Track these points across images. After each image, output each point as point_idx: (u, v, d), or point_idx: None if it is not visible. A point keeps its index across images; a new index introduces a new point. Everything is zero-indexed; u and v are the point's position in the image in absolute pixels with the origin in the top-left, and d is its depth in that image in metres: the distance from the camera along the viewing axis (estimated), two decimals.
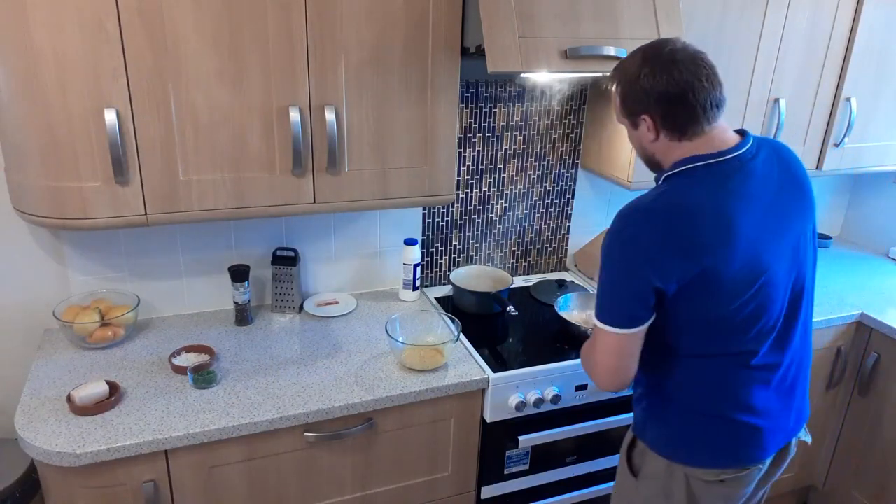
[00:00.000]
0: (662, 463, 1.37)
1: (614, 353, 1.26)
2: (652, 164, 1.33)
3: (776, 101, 2.13)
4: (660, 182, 1.28)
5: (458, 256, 2.27)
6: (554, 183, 2.30)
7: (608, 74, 1.40)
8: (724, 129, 1.25)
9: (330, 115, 1.59)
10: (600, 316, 1.26)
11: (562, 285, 2.24)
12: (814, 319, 2.12)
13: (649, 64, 1.20)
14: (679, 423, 1.34)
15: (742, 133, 1.28)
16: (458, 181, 2.16)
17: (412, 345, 1.75)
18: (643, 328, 1.24)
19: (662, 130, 1.24)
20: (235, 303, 1.92)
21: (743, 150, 1.24)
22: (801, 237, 1.31)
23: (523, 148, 2.21)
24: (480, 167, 2.17)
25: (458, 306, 2.10)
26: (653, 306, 1.22)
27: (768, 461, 1.37)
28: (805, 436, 1.45)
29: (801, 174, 1.34)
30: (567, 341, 1.92)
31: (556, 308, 1.96)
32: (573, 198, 2.35)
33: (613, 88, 1.30)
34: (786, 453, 1.41)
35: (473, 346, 1.85)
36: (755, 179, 1.24)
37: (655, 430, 1.38)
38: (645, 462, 1.41)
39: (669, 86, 1.18)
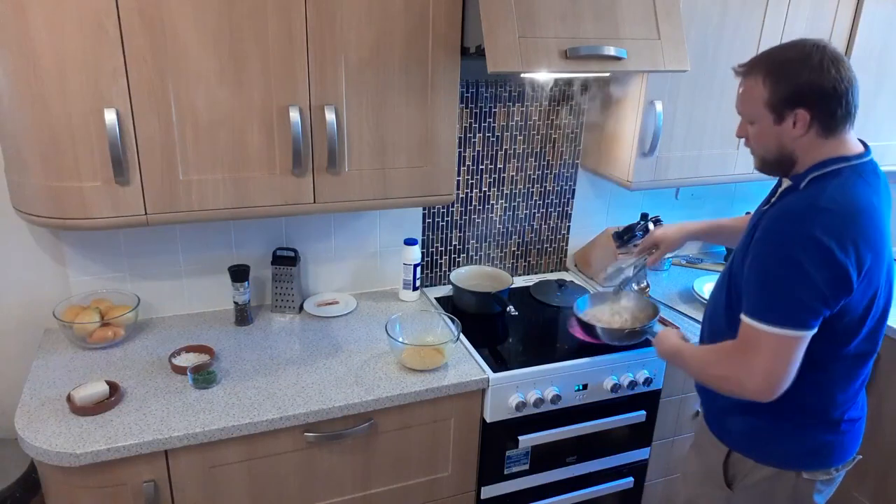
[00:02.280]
0: (769, 471, 1.37)
1: (792, 354, 1.20)
2: (781, 163, 1.29)
3: None
4: (804, 184, 1.25)
5: (458, 256, 2.27)
6: (554, 183, 2.30)
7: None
8: (853, 135, 1.27)
9: (330, 115, 1.59)
10: (772, 319, 1.19)
11: (562, 285, 2.24)
12: None
13: (811, 56, 1.18)
14: (801, 433, 1.34)
15: (862, 142, 1.31)
16: (458, 181, 2.16)
17: (412, 345, 1.75)
18: (813, 330, 1.20)
19: (815, 127, 1.21)
20: (235, 303, 1.92)
21: (870, 157, 1.28)
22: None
23: (523, 148, 2.21)
24: (480, 167, 2.17)
25: (458, 306, 2.10)
26: (825, 310, 1.19)
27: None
28: None
29: (889, 189, 1.38)
30: (584, 345, 1.92)
31: (576, 311, 1.90)
32: (573, 198, 2.35)
33: (752, 77, 1.25)
34: None
35: (473, 346, 1.85)
36: (881, 185, 1.28)
37: (764, 443, 1.38)
38: (742, 472, 1.41)
39: (837, 82, 1.17)
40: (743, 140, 1.37)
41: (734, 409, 1.41)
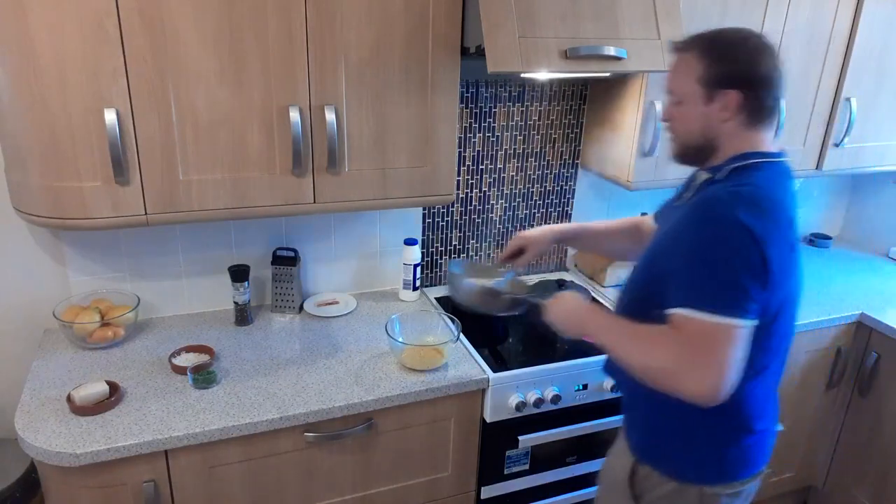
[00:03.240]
0: (672, 485, 1.31)
1: (737, 347, 1.09)
2: (702, 150, 1.25)
3: None
4: (724, 174, 1.21)
5: (458, 256, 2.27)
6: (554, 183, 2.30)
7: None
8: (771, 135, 1.26)
9: (330, 115, 1.59)
10: (708, 305, 1.09)
11: (562, 285, 2.24)
12: (814, 319, 2.15)
13: (751, 41, 1.17)
14: (703, 443, 1.28)
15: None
16: (458, 181, 2.16)
17: (412, 345, 1.75)
18: (754, 323, 1.12)
19: (743, 113, 1.19)
20: (235, 303, 1.92)
21: (786, 158, 1.26)
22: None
23: (523, 148, 2.21)
24: (480, 167, 2.17)
25: (458, 306, 2.10)
26: (759, 296, 1.12)
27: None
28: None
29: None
30: (584, 345, 1.90)
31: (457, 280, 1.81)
32: (573, 198, 2.35)
33: (689, 53, 1.21)
34: None
35: (473, 346, 1.85)
36: (793, 189, 1.26)
37: (670, 452, 1.32)
38: (648, 487, 1.35)
39: (765, 69, 1.17)
40: (665, 125, 1.31)
41: (638, 413, 1.36)
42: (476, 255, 2.29)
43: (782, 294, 1.18)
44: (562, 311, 1.36)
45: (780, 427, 1.41)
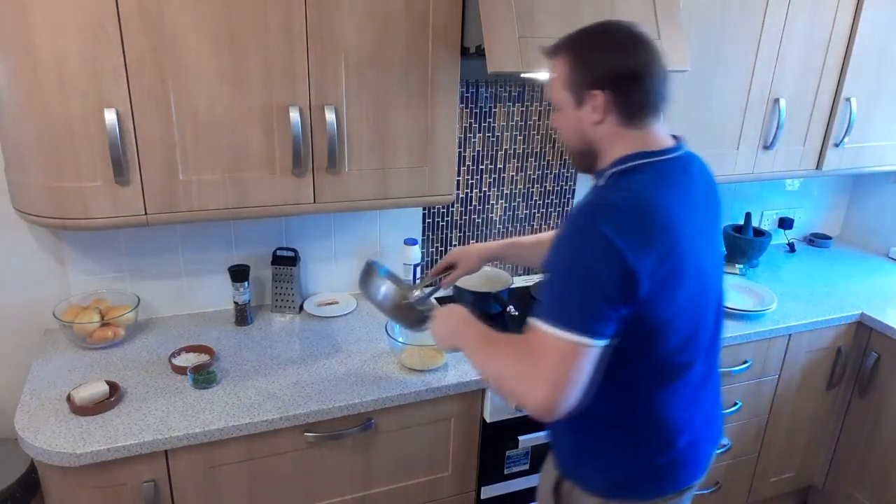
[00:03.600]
0: (595, 501, 1.27)
1: (579, 363, 1.05)
2: (586, 156, 1.20)
3: (776, 101, 2.13)
4: (603, 181, 1.17)
5: None
6: (554, 183, 2.30)
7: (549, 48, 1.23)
8: (661, 129, 1.18)
9: (330, 115, 1.59)
10: (557, 321, 1.05)
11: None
12: (814, 319, 2.15)
13: (612, 36, 1.12)
14: (620, 458, 1.24)
15: (675, 137, 1.22)
16: (458, 181, 2.16)
17: (412, 345, 1.75)
18: (603, 343, 1.07)
19: (612, 112, 1.13)
20: (235, 303, 1.92)
21: (681, 153, 1.18)
22: (720, 252, 1.28)
23: (523, 148, 2.21)
24: (480, 167, 2.18)
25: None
26: (614, 316, 1.07)
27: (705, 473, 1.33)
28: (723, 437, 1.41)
29: (716, 190, 1.29)
30: None
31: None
32: (573, 198, 2.35)
33: (557, 58, 1.16)
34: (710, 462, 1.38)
35: None
36: (694, 186, 1.18)
37: (590, 468, 1.28)
38: (573, 498, 1.32)
39: (631, 63, 1.10)
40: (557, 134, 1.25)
41: (559, 429, 1.32)
42: None
43: (666, 303, 1.10)
44: (440, 324, 1.33)
45: (724, 440, 1.37)
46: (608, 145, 1.16)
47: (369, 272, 1.57)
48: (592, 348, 1.05)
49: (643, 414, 1.21)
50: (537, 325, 1.07)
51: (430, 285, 1.69)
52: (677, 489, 1.28)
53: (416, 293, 1.61)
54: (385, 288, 1.54)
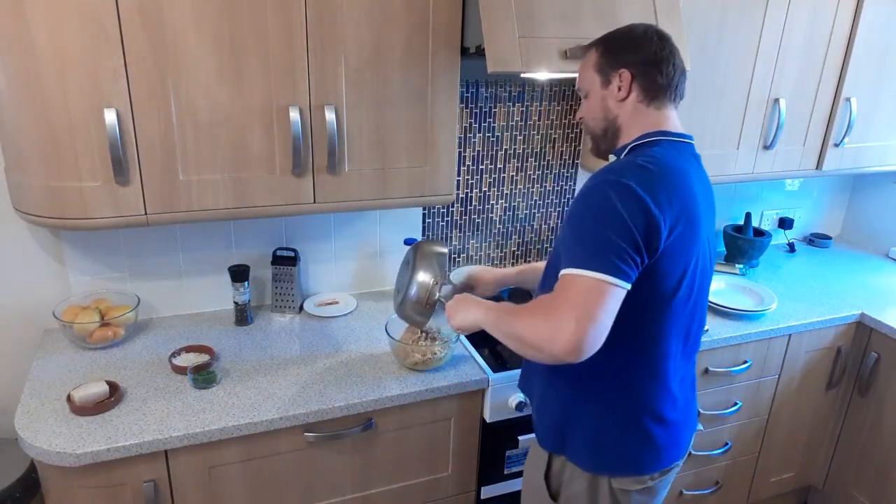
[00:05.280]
0: (586, 479, 1.30)
1: (608, 300, 1.08)
2: (608, 133, 1.30)
3: (776, 101, 2.13)
4: (624, 154, 1.26)
5: (458, 256, 2.27)
6: (554, 183, 2.30)
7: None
8: (677, 118, 1.30)
9: (330, 115, 1.59)
10: (583, 263, 1.10)
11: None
12: (814, 319, 2.15)
13: (639, 31, 1.26)
14: (607, 429, 1.28)
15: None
16: (458, 181, 2.16)
17: (412, 345, 1.74)
18: (626, 286, 1.11)
19: (636, 89, 1.25)
20: (235, 303, 1.92)
21: (694, 142, 1.30)
22: (715, 247, 1.36)
23: (523, 148, 2.21)
24: (480, 167, 2.18)
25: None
26: (636, 261, 1.12)
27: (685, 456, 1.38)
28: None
29: (712, 190, 1.37)
30: None
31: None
32: (573, 198, 2.35)
33: (591, 49, 1.31)
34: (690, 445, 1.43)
35: (473, 346, 1.85)
36: (702, 173, 1.30)
37: (579, 441, 1.31)
38: (565, 481, 1.34)
39: (659, 50, 1.24)
40: (581, 125, 1.36)
41: (547, 405, 1.36)
42: (476, 255, 2.30)
43: (680, 263, 1.18)
44: (457, 305, 1.40)
45: (699, 427, 1.41)
46: (630, 122, 1.27)
47: (426, 259, 1.53)
48: (618, 288, 1.09)
49: (630, 383, 1.26)
50: (565, 271, 1.12)
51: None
52: (662, 467, 1.31)
53: (444, 290, 1.57)
54: (418, 288, 1.53)
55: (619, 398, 1.27)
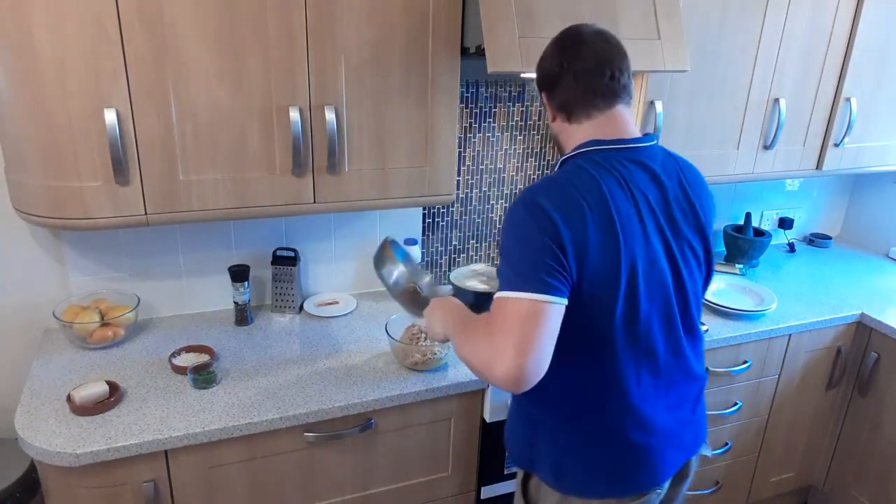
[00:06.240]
0: (556, 497, 1.26)
1: (543, 322, 1.05)
2: (559, 148, 1.31)
3: (776, 101, 2.13)
4: (555, 168, 1.24)
5: (458, 256, 2.27)
6: None
7: None
8: (625, 120, 1.22)
9: (330, 115, 1.59)
10: (514, 285, 1.08)
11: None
12: (814, 319, 2.14)
13: (553, 41, 1.23)
14: (571, 452, 1.23)
15: (646, 135, 1.25)
16: (458, 181, 2.16)
17: (412, 345, 1.74)
18: (561, 302, 1.09)
19: (556, 110, 1.24)
20: (235, 303, 1.92)
21: (641, 145, 1.21)
22: (692, 247, 1.25)
23: (523, 148, 2.21)
24: (480, 167, 2.18)
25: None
26: (564, 275, 1.09)
27: (666, 484, 1.28)
28: (705, 449, 1.37)
29: (695, 188, 1.27)
30: None
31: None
32: None
33: None
34: (686, 471, 1.34)
35: None
36: (646, 175, 1.20)
37: (547, 461, 1.27)
38: (539, 497, 1.31)
39: (548, 65, 1.21)
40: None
41: (515, 417, 1.33)
42: (476, 255, 2.30)
43: (606, 275, 1.12)
44: (430, 315, 1.37)
45: (704, 451, 1.33)
46: (565, 139, 1.26)
47: (384, 251, 1.57)
48: (552, 305, 1.07)
49: (594, 395, 1.20)
50: (498, 294, 1.10)
51: None
52: (630, 492, 1.24)
53: (427, 279, 1.60)
54: (398, 273, 1.55)
55: (580, 417, 1.22)
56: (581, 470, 1.24)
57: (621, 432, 1.21)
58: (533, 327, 1.05)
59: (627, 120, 1.22)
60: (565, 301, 1.10)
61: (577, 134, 1.22)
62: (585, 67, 1.18)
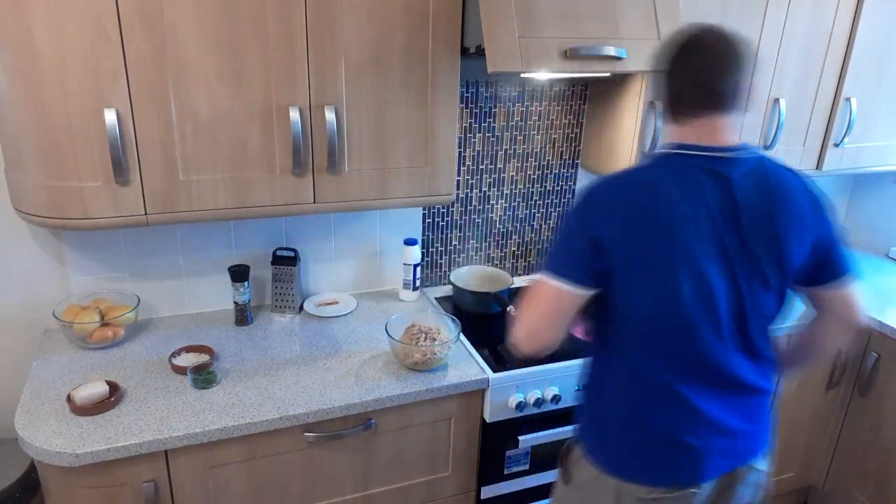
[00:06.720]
0: (593, 472, 1.31)
1: (543, 301, 1.21)
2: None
3: (776, 101, 2.13)
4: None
5: (458, 256, 2.27)
6: (554, 183, 2.30)
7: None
8: (718, 127, 1.18)
9: (330, 115, 1.59)
10: (544, 269, 1.22)
11: None
12: None
13: (674, 34, 1.22)
14: (612, 431, 1.28)
15: (744, 146, 1.21)
16: (458, 181, 2.16)
17: (412, 345, 1.74)
18: (579, 292, 1.18)
19: (666, 110, 1.26)
20: (235, 303, 1.92)
21: (723, 155, 1.18)
22: (752, 268, 1.21)
23: (523, 148, 2.21)
24: (480, 167, 2.17)
25: (458, 306, 2.10)
26: (594, 273, 1.17)
27: (707, 485, 1.26)
28: (760, 463, 1.32)
29: (799, 207, 1.22)
30: (585, 344, 1.91)
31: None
32: (573, 198, 2.35)
33: None
34: (734, 479, 1.29)
35: (473, 346, 1.85)
36: (721, 188, 1.17)
37: (590, 436, 1.33)
38: (577, 469, 1.36)
39: (662, 65, 1.23)
40: None
41: (582, 386, 1.39)
42: (476, 255, 2.30)
43: (636, 281, 1.16)
44: None
45: (762, 465, 1.31)
46: (664, 135, 1.35)
47: None
48: (567, 293, 1.19)
49: (630, 393, 1.26)
50: (536, 275, 1.25)
51: None
52: (665, 484, 1.24)
53: None
54: None
55: (619, 402, 1.27)
56: (621, 457, 1.29)
57: (688, 440, 1.23)
58: (545, 306, 1.21)
59: (723, 128, 1.19)
60: (579, 289, 1.19)
61: (672, 133, 1.26)
62: (692, 71, 1.17)
